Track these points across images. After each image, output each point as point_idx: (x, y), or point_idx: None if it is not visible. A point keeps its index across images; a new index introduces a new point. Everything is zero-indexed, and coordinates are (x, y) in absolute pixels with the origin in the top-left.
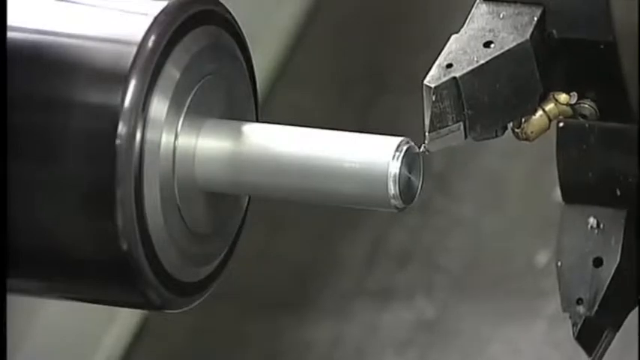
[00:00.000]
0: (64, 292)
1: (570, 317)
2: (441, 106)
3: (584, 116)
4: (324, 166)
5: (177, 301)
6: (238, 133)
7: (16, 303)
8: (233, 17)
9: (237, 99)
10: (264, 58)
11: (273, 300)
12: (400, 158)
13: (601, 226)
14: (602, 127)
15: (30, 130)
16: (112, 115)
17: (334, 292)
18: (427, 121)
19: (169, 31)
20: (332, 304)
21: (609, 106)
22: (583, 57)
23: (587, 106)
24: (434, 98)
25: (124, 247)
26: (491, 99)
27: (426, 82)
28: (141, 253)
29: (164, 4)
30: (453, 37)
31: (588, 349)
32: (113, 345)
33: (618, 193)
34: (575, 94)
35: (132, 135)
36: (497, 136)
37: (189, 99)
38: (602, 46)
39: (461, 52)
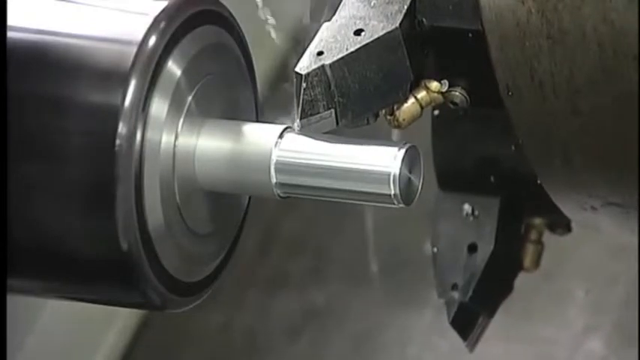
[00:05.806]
0: (64, 292)
1: (445, 303)
2: (312, 94)
3: (455, 104)
4: (325, 167)
5: (177, 301)
6: (238, 133)
7: (16, 303)
8: (233, 17)
9: (237, 99)
10: (264, 58)
11: None
12: (401, 159)
13: (475, 213)
14: (475, 115)
15: (30, 130)
16: (113, 115)
17: (226, 279)
18: (298, 109)
19: (169, 31)
20: (223, 292)
21: (480, 93)
22: (452, 45)
23: (457, 93)
24: (304, 86)
25: (124, 247)
26: (362, 86)
27: (296, 69)
28: (141, 253)
29: (164, 4)
30: (325, 25)
31: (463, 334)
32: (113, 345)
33: (492, 180)
34: (447, 81)
35: (132, 135)
36: (369, 123)
37: (190, 99)
38: (470, 35)
39: (332, 39)
